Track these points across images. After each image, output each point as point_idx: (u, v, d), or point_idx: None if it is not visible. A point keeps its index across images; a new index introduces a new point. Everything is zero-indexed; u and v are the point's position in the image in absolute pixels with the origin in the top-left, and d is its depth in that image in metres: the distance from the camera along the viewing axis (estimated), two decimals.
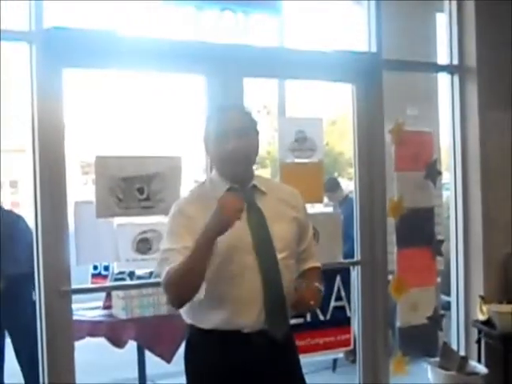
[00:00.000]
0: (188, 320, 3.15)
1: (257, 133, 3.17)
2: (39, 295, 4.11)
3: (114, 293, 5.42)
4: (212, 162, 3.19)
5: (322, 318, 5.03)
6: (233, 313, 3.00)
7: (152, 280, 5.11)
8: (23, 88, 4.11)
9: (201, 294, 2.94)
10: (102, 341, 5.50)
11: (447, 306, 5.99)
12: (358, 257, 5.20)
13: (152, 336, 5.45)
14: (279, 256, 3.06)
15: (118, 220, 4.37)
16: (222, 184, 3.10)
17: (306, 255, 3.26)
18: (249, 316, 3.02)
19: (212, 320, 3.03)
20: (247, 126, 3.13)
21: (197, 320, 3.09)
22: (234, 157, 3.04)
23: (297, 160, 4.88)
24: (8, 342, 5.58)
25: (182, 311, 3.15)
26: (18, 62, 4.13)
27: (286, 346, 3.18)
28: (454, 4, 5.62)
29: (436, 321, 5.39)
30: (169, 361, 5.45)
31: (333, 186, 7.34)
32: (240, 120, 3.11)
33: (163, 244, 3.08)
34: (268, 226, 3.09)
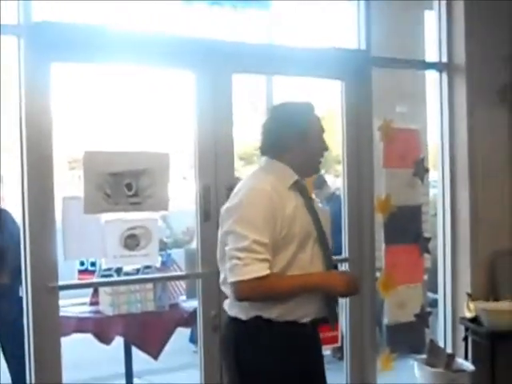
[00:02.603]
0: (248, 312, 3.10)
1: None
2: (26, 291, 4.08)
3: (102, 289, 5.41)
4: (301, 152, 3.21)
5: None
6: (300, 301, 3.08)
7: (140, 276, 5.11)
8: (11, 82, 4.09)
9: None
10: (88, 337, 5.48)
11: (434, 304, 6.00)
12: (345, 254, 5.19)
13: (139, 332, 5.43)
14: None
15: (105, 216, 4.35)
16: (290, 175, 3.19)
17: None
18: (314, 304, 3.15)
19: (276, 309, 3.07)
20: None
21: (263, 310, 3.08)
22: (324, 153, 3.30)
23: None
24: None
25: (241, 304, 3.11)
26: None
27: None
28: (444, 2, 5.63)
29: (423, 318, 5.39)
30: (156, 357, 5.44)
31: (320, 184, 7.34)
32: None
33: (249, 227, 2.97)
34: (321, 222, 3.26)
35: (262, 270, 2.93)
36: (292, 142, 3.18)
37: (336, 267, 3.38)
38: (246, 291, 2.98)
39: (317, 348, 3.31)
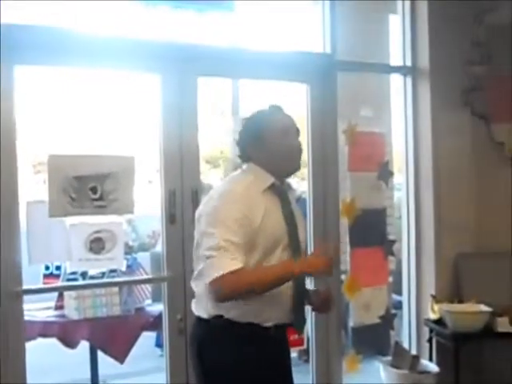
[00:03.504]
0: (210, 311, 3.10)
1: None
2: None
3: (67, 293, 5.38)
4: (265, 156, 3.20)
5: None
6: (263, 305, 3.06)
7: (105, 280, 5.08)
8: None
9: None
10: (53, 341, 5.44)
11: (399, 306, 6.03)
12: None
13: (105, 336, 5.41)
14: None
15: (70, 220, 4.33)
16: (266, 178, 3.18)
17: None
18: (279, 309, 3.13)
19: (236, 310, 3.06)
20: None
21: (223, 310, 3.06)
22: (297, 152, 3.23)
23: None
24: None
25: (204, 303, 3.12)
26: None
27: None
28: (408, 5, 5.67)
29: (388, 320, 5.44)
30: (122, 361, 5.41)
31: None
32: (294, 120, 3.30)
33: (221, 229, 2.95)
34: (297, 227, 3.25)
35: (234, 265, 2.89)
36: (251, 148, 3.22)
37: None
38: (223, 288, 2.90)
39: (282, 350, 3.29)
